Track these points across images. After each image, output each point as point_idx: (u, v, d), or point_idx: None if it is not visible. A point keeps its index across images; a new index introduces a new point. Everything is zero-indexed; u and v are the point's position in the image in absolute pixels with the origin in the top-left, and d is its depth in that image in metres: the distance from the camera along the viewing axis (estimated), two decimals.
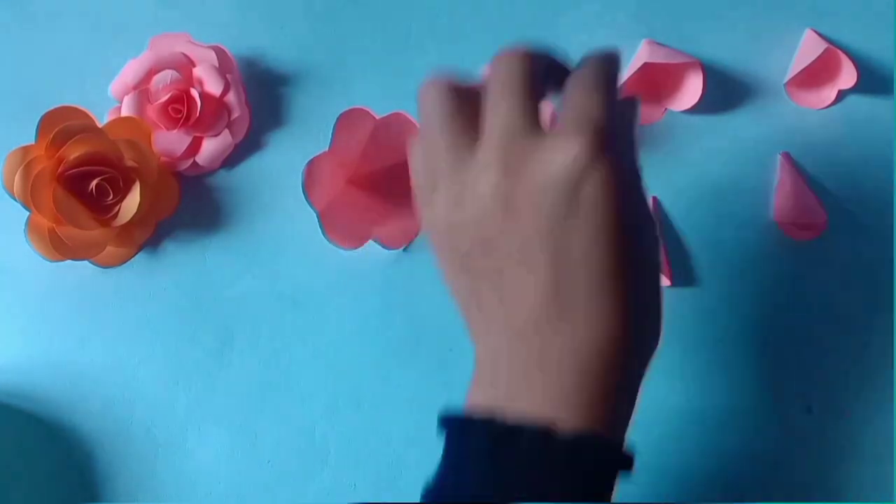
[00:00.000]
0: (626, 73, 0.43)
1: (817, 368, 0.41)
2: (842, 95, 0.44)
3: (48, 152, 0.40)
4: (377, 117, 0.42)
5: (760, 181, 0.43)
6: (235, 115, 0.43)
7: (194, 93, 0.42)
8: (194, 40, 0.44)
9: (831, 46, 0.43)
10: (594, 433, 0.28)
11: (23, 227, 0.41)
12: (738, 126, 0.44)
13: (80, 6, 0.46)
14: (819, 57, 0.42)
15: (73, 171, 0.40)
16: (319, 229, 0.40)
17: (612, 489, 0.28)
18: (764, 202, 0.43)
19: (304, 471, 0.41)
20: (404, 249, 0.43)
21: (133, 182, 0.41)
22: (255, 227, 0.43)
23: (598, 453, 0.28)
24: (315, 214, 0.40)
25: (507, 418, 0.28)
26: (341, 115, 0.40)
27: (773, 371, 0.41)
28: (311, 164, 0.40)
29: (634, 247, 0.28)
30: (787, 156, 0.43)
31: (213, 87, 0.43)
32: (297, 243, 0.43)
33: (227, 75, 0.43)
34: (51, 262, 0.41)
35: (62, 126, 0.40)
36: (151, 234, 0.43)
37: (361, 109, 0.41)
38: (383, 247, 0.42)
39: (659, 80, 0.44)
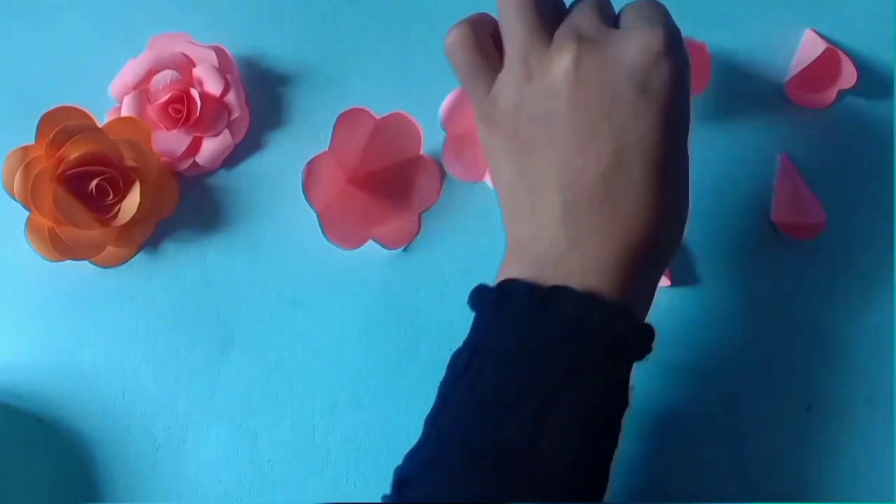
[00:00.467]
0: None
1: (817, 368, 0.41)
2: (842, 95, 0.44)
3: (48, 152, 0.40)
4: (377, 117, 0.42)
5: (760, 181, 0.43)
6: (235, 115, 0.43)
7: (194, 93, 0.42)
8: (194, 40, 0.44)
9: (831, 46, 0.43)
10: (630, 305, 0.30)
11: (23, 227, 0.41)
12: (738, 126, 0.44)
13: (80, 6, 0.46)
14: (819, 57, 0.42)
15: (73, 171, 0.40)
16: (319, 229, 0.40)
17: (631, 364, 0.31)
18: (764, 202, 0.43)
19: (304, 471, 0.41)
20: (404, 249, 0.43)
21: (133, 182, 0.41)
22: (255, 227, 0.43)
23: (633, 322, 0.31)
24: (315, 214, 0.40)
25: (550, 284, 0.30)
26: (341, 115, 0.40)
27: (773, 371, 0.41)
28: (311, 164, 0.40)
29: (682, 143, 0.32)
30: (787, 156, 0.43)
31: (213, 87, 0.43)
32: (297, 243, 0.43)
33: (227, 75, 0.43)
34: (51, 262, 0.41)
35: (62, 126, 0.40)
36: (151, 234, 0.43)
37: (361, 109, 0.41)
38: (383, 247, 0.42)
39: None
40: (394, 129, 0.42)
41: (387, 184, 0.43)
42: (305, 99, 0.44)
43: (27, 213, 0.41)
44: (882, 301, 0.42)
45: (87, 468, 0.41)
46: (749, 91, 0.44)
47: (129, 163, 0.41)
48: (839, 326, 0.42)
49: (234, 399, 0.42)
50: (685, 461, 0.41)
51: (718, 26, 0.45)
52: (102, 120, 0.43)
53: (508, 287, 0.31)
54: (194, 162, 0.43)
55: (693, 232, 0.43)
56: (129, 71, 0.43)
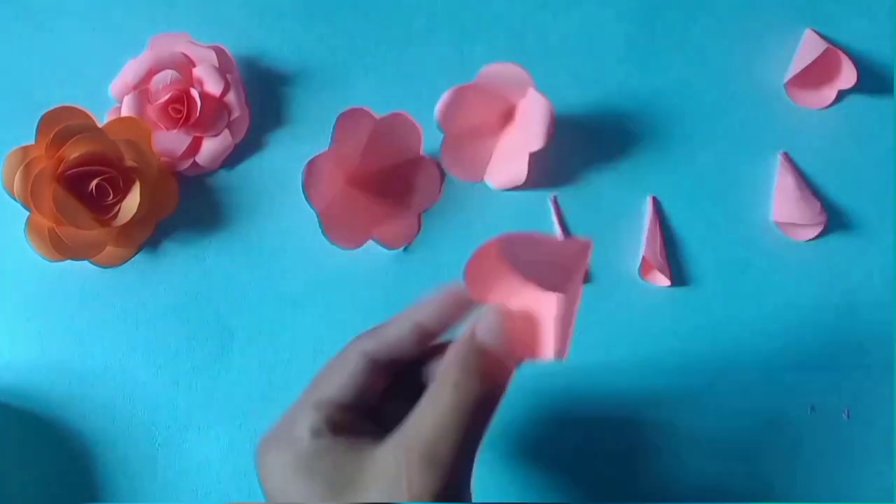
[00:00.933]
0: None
1: (817, 368, 0.41)
2: (842, 95, 0.44)
3: (48, 152, 0.40)
4: (377, 117, 0.42)
5: (760, 181, 0.43)
6: (235, 115, 0.43)
7: (194, 93, 0.42)
8: (194, 40, 0.44)
9: (831, 46, 0.43)
10: None
11: (23, 227, 0.41)
12: (738, 126, 0.44)
13: (80, 6, 0.46)
14: (819, 57, 0.42)
15: (73, 171, 0.40)
16: (319, 229, 0.40)
17: None
18: (764, 202, 0.43)
19: None
20: (404, 249, 0.43)
21: (133, 182, 0.41)
22: (255, 227, 0.43)
23: None
24: (315, 214, 0.40)
25: None
26: (341, 115, 0.40)
27: (773, 371, 0.41)
28: (311, 164, 0.40)
29: None
30: (787, 156, 0.43)
31: (213, 87, 0.43)
32: (297, 243, 0.43)
33: (227, 75, 0.43)
34: (51, 262, 0.41)
35: (62, 126, 0.40)
36: (151, 234, 0.43)
37: (361, 109, 0.41)
38: (383, 247, 0.42)
39: None
40: (394, 129, 0.42)
41: (387, 184, 0.43)
42: (305, 99, 0.44)
43: (27, 213, 0.41)
44: (882, 301, 0.42)
45: (87, 468, 0.41)
46: (749, 91, 0.44)
47: (129, 163, 0.41)
48: (839, 326, 0.42)
49: (234, 399, 0.42)
50: (685, 461, 0.41)
51: (718, 26, 0.45)
52: (102, 120, 0.43)
53: None
54: (194, 162, 0.43)
55: (693, 232, 0.43)
56: (129, 71, 0.43)
